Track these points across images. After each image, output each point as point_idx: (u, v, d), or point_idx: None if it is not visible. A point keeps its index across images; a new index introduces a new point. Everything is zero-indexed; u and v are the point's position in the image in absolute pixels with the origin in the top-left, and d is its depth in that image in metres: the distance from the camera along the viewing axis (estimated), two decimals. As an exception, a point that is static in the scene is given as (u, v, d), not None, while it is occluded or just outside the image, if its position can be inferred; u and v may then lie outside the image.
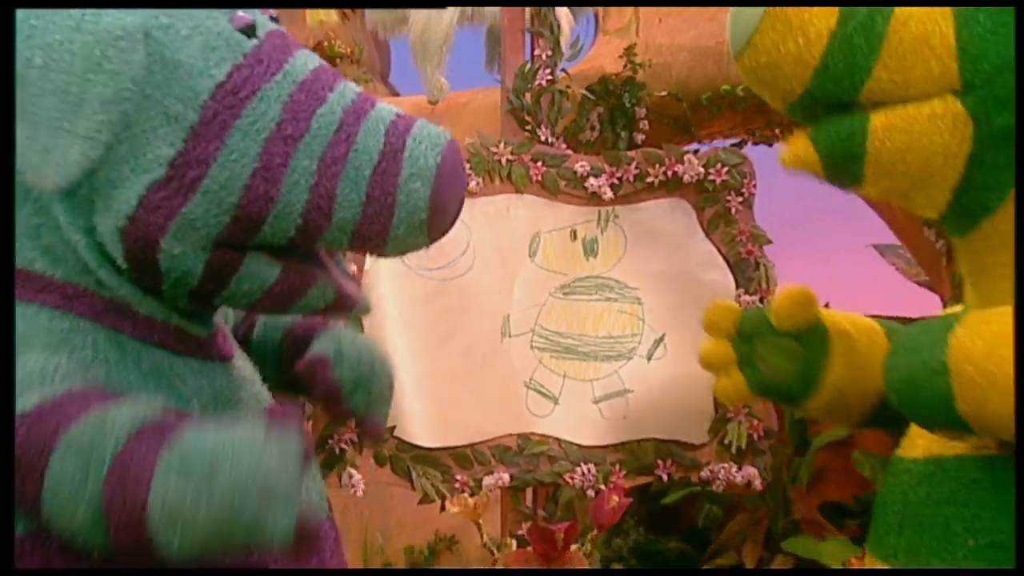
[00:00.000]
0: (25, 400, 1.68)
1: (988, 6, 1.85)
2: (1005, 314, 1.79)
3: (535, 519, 3.81)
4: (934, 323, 1.95)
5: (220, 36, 1.97)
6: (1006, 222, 1.92)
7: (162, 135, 1.91)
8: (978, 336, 1.76)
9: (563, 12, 8.15)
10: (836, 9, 1.89)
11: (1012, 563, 1.82)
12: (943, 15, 1.87)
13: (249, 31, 1.98)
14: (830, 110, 1.96)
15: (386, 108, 2.01)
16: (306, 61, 2.04)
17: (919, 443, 2.05)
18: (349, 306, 2.19)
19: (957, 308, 2.17)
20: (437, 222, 1.99)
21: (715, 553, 7.76)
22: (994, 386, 1.70)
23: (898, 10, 1.88)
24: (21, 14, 1.91)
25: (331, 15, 8.17)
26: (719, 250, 3.94)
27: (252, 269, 1.99)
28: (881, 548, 2.08)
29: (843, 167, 2.00)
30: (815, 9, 1.90)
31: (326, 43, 9.65)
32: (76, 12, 1.90)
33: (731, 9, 1.99)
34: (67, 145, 1.86)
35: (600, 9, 9.27)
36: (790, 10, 1.90)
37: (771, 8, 1.91)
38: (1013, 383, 1.68)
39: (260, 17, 2.05)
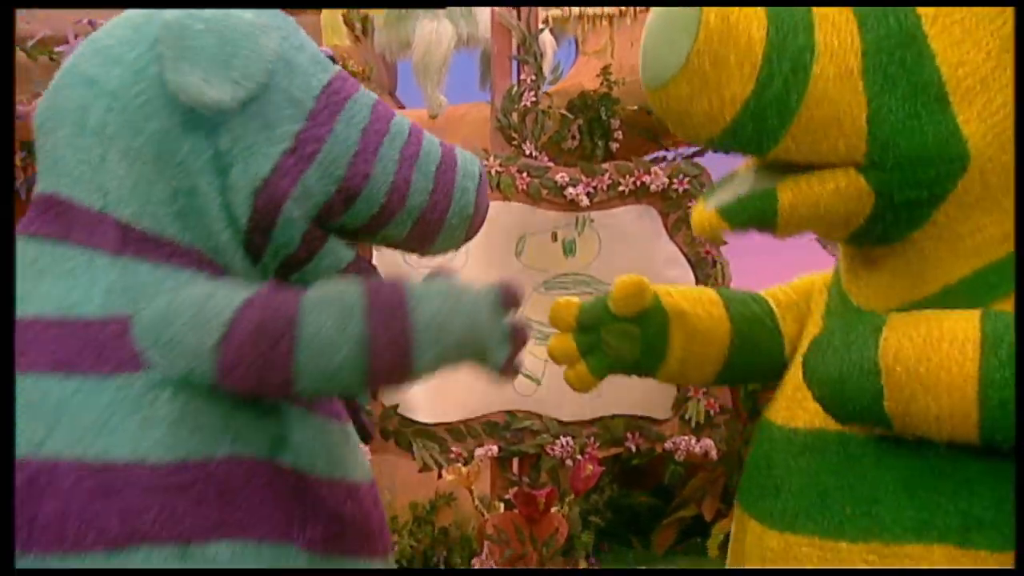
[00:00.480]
0: (234, 297, 1.85)
1: (908, 90, 1.77)
2: (934, 318, 1.77)
3: (520, 485, 3.84)
4: (858, 323, 1.92)
5: (318, 55, 2.23)
6: (907, 250, 1.91)
7: (288, 115, 2.07)
8: (908, 339, 1.72)
9: (547, 37, 8.17)
10: (753, 76, 1.75)
11: (881, 532, 1.80)
12: (857, 100, 1.76)
13: (332, 59, 2.26)
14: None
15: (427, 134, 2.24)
16: (363, 88, 2.26)
17: (800, 415, 2.00)
18: None
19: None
20: (477, 219, 2.20)
21: (679, 506, 7.97)
22: (924, 387, 1.68)
23: (814, 84, 1.75)
24: None
25: (344, 39, 8.16)
26: (681, 250, 4.01)
27: (333, 248, 2.13)
28: (755, 508, 2.05)
29: (755, 229, 1.95)
30: (734, 70, 1.75)
31: (340, 63, 9.56)
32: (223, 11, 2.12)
33: (646, 42, 1.86)
34: (221, 79, 2.00)
35: (580, 33, 9.24)
36: (708, 68, 1.76)
37: (690, 61, 1.76)
38: (940, 386, 1.67)
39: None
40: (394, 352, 1.78)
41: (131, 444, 1.80)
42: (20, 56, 7.84)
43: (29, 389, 1.81)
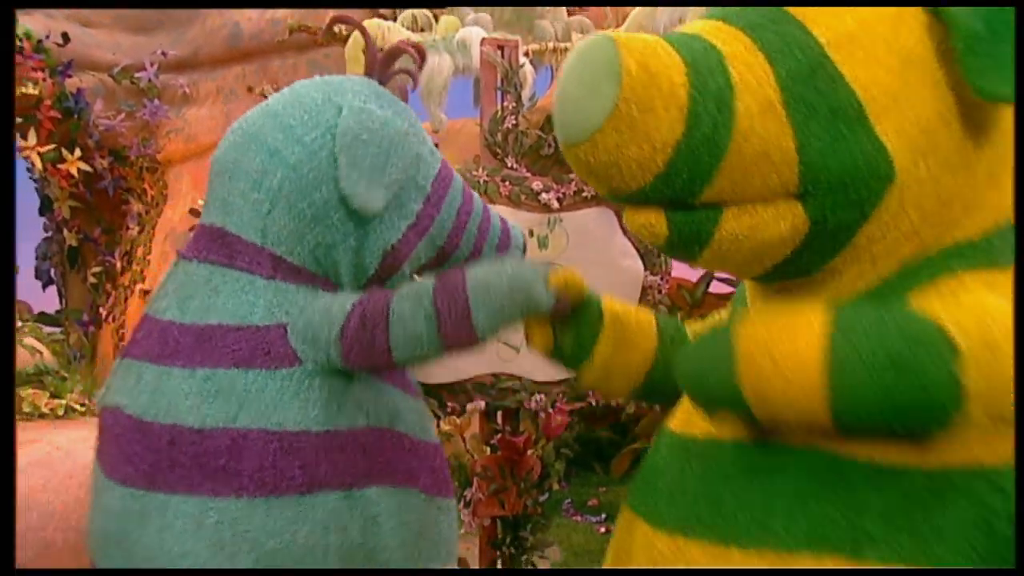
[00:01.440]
0: (347, 300, 2.22)
1: (829, 113, 1.62)
2: (791, 308, 1.64)
3: (503, 433, 3.92)
4: (727, 322, 1.78)
5: (432, 146, 2.52)
6: (838, 268, 1.76)
7: (414, 197, 2.41)
8: (763, 325, 1.58)
9: (528, 68, 8.09)
10: (682, 119, 1.57)
11: (773, 542, 1.64)
12: (783, 130, 1.59)
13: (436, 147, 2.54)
14: (662, 203, 1.69)
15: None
16: (457, 176, 2.60)
17: (697, 423, 1.84)
18: None
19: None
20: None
21: (632, 439, 8.30)
22: (775, 367, 1.51)
23: (739, 120, 1.58)
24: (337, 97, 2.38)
25: (357, 67, 8.09)
26: (632, 244, 4.07)
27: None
28: (646, 510, 1.87)
29: (684, 249, 1.78)
30: (662, 114, 1.57)
31: (357, 81, 9.48)
32: (372, 108, 2.38)
33: (565, 92, 1.66)
34: (377, 186, 2.30)
35: (555, 63, 9.16)
36: (636, 114, 1.57)
37: (617, 108, 1.57)
38: (794, 370, 1.50)
39: None
40: (456, 317, 2.03)
41: (297, 418, 2.13)
42: (108, 80, 7.86)
43: (216, 379, 2.14)
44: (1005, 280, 1.59)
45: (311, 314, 2.19)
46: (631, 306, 2.26)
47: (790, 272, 1.78)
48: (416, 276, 2.48)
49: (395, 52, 2.62)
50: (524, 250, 2.61)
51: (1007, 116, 1.70)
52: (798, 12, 1.67)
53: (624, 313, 2.18)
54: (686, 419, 1.90)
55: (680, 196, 1.64)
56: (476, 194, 2.61)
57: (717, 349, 1.61)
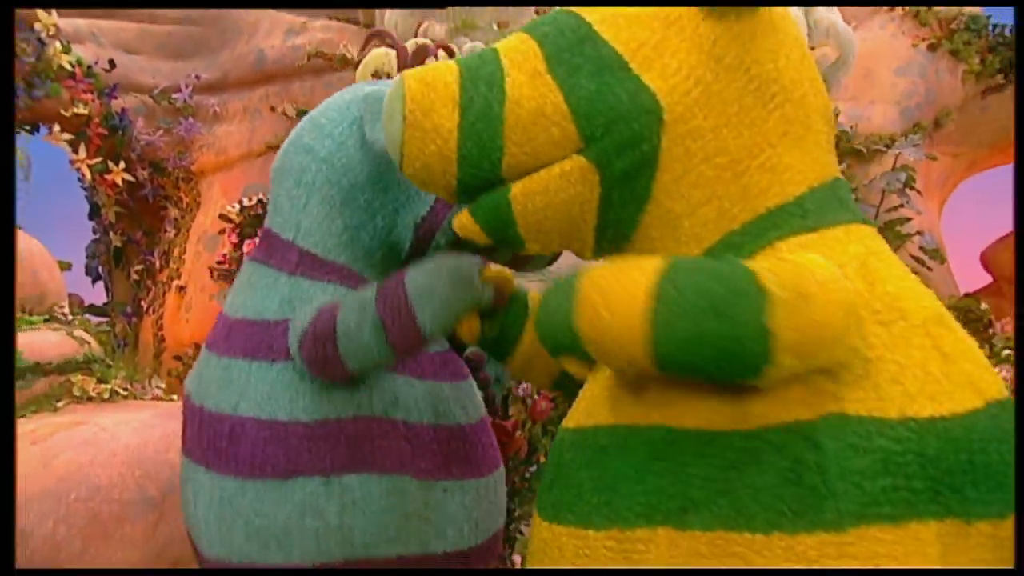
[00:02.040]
0: (310, 313, 2.11)
1: (593, 68, 1.64)
2: (638, 259, 1.55)
3: (495, 418, 3.71)
4: None
5: None
6: (641, 243, 1.70)
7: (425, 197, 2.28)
8: (605, 269, 1.52)
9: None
10: (456, 107, 1.66)
11: (618, 520, 1.59)
12: (549, 87, 1.64)
13: None
14: (488, 190, 1.72)
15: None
16: None
17: (573, 415, 1.81)
18: None
19: None
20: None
21: None
22: (607, 304, 1.46)
23: (510, 91, 1.65)
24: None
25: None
26: None
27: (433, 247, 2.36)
28: (538, 503, 1.82)
29: (501, 233, 1.77)
30: (440, 109, 1.67)
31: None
32: None
33: (383, 125, 1.80)
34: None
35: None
36: (420, 115, 1.68)
37: (407, 120, 1.68)
38: (624, 303, 1.44)
39: None
40: (401, 322, 1.92)
41: (287, 408, 2.10)
42: (148, 101, 7.90)
43: (231, 368, 2.17)
44: (819, 240, 1.59)
45: (299, 318, 2.15)
46: None
47: (613, 238, 1.73)
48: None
49: (423, 51, 2.57)
50: None
51: (799, 79, 1.70)
52: (577, 8, 1.75)
53: None
54: (571, 414, 1.84)
55: (486, 175, 1.69)
56: None
57: (563, 293, 1.55)
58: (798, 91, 1.68)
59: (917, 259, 7.76)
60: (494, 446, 2.51)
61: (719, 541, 1.49)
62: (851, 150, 8.05)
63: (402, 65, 2.48)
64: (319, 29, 9.81)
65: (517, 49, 1.71)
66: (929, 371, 1.49)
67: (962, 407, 1.48)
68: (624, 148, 1.61)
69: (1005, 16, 9.13)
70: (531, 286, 2.24)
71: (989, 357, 6.23)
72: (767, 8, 1.67)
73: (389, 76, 8.54)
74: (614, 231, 1.72)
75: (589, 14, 1.72)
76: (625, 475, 1.59)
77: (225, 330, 2.28)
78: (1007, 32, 8.63)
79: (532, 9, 9.26)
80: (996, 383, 1.56)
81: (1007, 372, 6.17)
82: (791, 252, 1.55)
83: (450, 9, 8.94)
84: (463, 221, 1.80)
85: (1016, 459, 1.48)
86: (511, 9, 9.01)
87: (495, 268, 2.08)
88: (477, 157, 1.66)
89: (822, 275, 1.44)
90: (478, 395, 2.49)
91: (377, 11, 9.36)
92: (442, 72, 1.73)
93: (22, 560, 3.03)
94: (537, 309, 1.66)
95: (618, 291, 1.46)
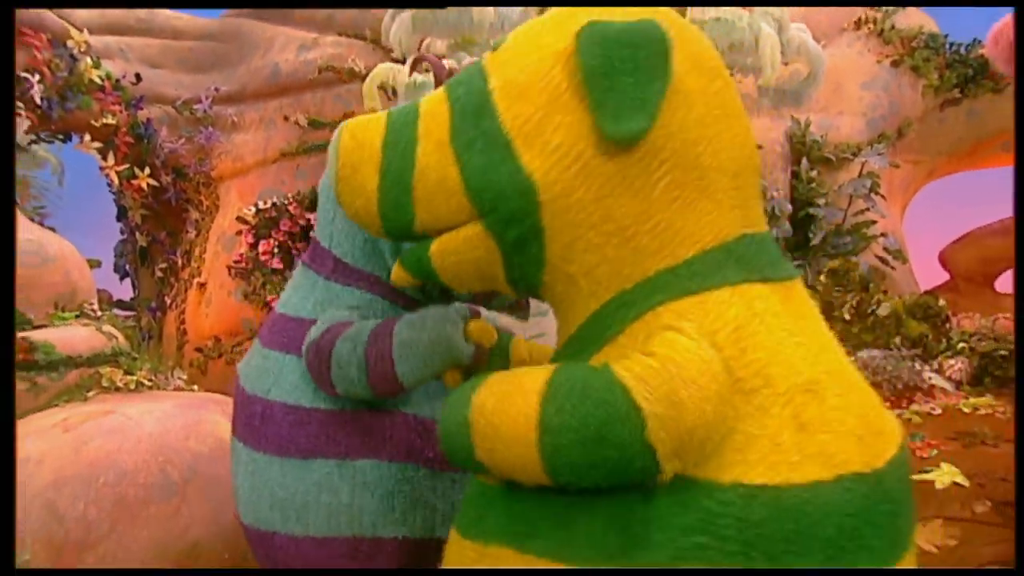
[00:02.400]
0: (319, 329, 2.11)
1: (483, 145, 1.58)
2: (516, 373, 1.54)
3: None
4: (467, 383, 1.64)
5: None
6: (550, 295, 1.67)
7: None
8: (491, 394, 1.49)
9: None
10: (377, 172, 1.66)
11: (483, 534, 1.57)
12: (449, 160, 1.60)
13: None
14: (415, 239, 1.73)
15: None
16: None
17: None
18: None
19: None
20: None
21: None
22: (499, 437, 1.45)
23: (419, 160, 1.63)
24: None
25: (378, 102, 8.07)
26: None
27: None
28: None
29: (427, 280, 1.80)
30: (364, 170, 1.68)
31: (371, 111, 9.53)
32: None
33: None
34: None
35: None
36: (349, 172, 1.70)
37: (339, 174, 1.71)
38: (514, 435, 1.43)
39: None
40: (381, 368, 1.92)
41: (311, 397, 2.14)
42: (171, 111, 7.95)
43: (268, 357, 2.25)
44: (699, 304, 1.49)
45: (318, 324, 2.16)
46: (538, 346, 2.14)
47: (526, 288, 1.72)
48: None
49: (454, 70, 2.50)
50: None
51: (694, 140, 1.54)
52: (491, 63, 1.67)
53: (529, 355, 2.08)
54: None
55: (405, 231, 1.71)
56: None
57: (457, 416, 1.53)
58: (691, 154, 1.54)
59: (881, 259, 7.82)
60: None
61: (546, 569, 1.47)
62: (821, 158, 8.08)
63: (437, 82, 2.41)
64: (330, 44, 9.83)
65: (432, 114, 1.68)
66: (778, 441, 1.40)
67: (803, 478, 1.38)
68: (510, 222, 1.57)
69: (977, 25, 9.24)
70: (515, 330, 2.21)
71: (946, 350, 6.23)
72: (675, 82, 1.52)
73: (394, 90, 8.61)
74: (524, 284, 1.69)
75: (495, 75, 1.63)
76: (500, 496, 1.57)
77: (271, 323, 2.35)
78: (962, 51, 8.70)
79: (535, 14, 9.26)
80: (861, 455, 1.44)
81: (962, 364, 6.23)
82: (669, 318, 1.48)
83: (450, 27, 8.95)
84: (396, 270, 1.81)
85: (1016, 459, 1.38)
86: (507, 23, 9.02)
87: (479, 323, 2.00)
88: (393, 217, 1.68)
89: (690, 372, 1.38)
90: None
91: (382, 27, 9.37)
92: (371, 133, 1.71)
93: (58, 538, 3.06)
94: (440, 435, 1.62)
95: (506, 423, 1.44)
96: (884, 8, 9.21)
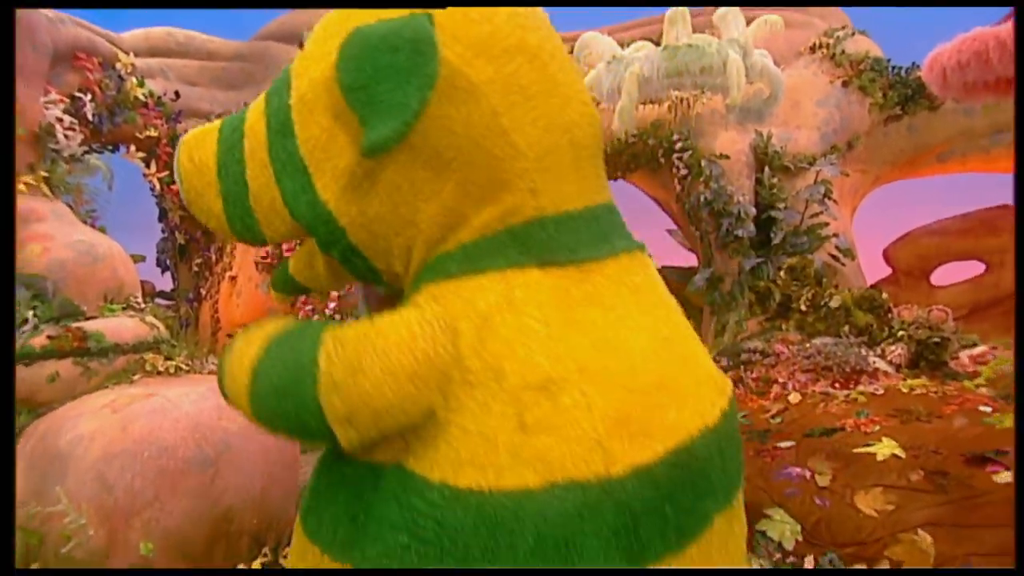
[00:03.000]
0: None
1: (290, 169, 1.43)
2: (268, 322, 1.44)
3: None
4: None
5: None
6: (397, 282, 1.52)
7: None
8: (240, 337, 1.42)
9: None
10: (216, 193, 1.50)
11: (309, 537, 1.42)
12: (271, 182, 1.45)
13: None
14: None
15: None
16: None
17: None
18: None
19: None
20: None
21: None
22: (231, 376, 1.40)
23: (250, 183, 1.47)
24: None
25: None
26: None
27: None
28: None
29: (304, 293, 1.72)
30: (207, 194, 1.52)
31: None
32: None
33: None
34: None
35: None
36: (195, 196, 1.54)
37: (187, 198, 1.55)
38: (238, 376, 1.36)
39: None
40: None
41: None
42: (206, 124, 7.92)
43: None
44: (454, 288, 1.33)
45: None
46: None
47: (378, 282, 1.58)
48: None
49: None
50: None
51: (483, 137, 1.33)
52: (295, 70, 1.49)
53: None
54: None
55: (263, 243, 1.57)
56: None
57: (223, 354, 1.47)
58: (482, 148, 1.33)
59: (833, 256, 7.82)
60: None
61: (310, 555, 1.38)
62: (781, 167, 8.08)
63: None
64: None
65: (254, 131, 1.49)
66: (494, 442, 1.21)
67: (511, 484, 1.18)
68: (327, 245, 1.49)
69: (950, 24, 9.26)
70: None
71: (888, 338, 6.25)
72: (453, 77, 1.32)
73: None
74: (374, 279, 1.56)
75: (295, 85, 1.46)
76: (319, 499, 1.44)
77: None
78: (903, 73, 8.73)
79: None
80: (592, 460, 1.20)
81: (901, 349, 6.27)
82: (422, 298, 1.35)
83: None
84: (272, 295, 1.74)
85: (1016, 459, 1.30)
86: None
87: None
88: (248, 235, 1.54)
89: (383, 344, 1.24)
90: None
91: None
92: (205, 152, 1.54)
93: (108, 505, 3.09)
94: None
95: (236, 363, 1.38)
96: (835, 35, 9.24)
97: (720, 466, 1.34)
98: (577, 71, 1.47)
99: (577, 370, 1.25)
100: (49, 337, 3.97)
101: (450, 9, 1.35)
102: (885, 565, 3.18)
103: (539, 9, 1.48)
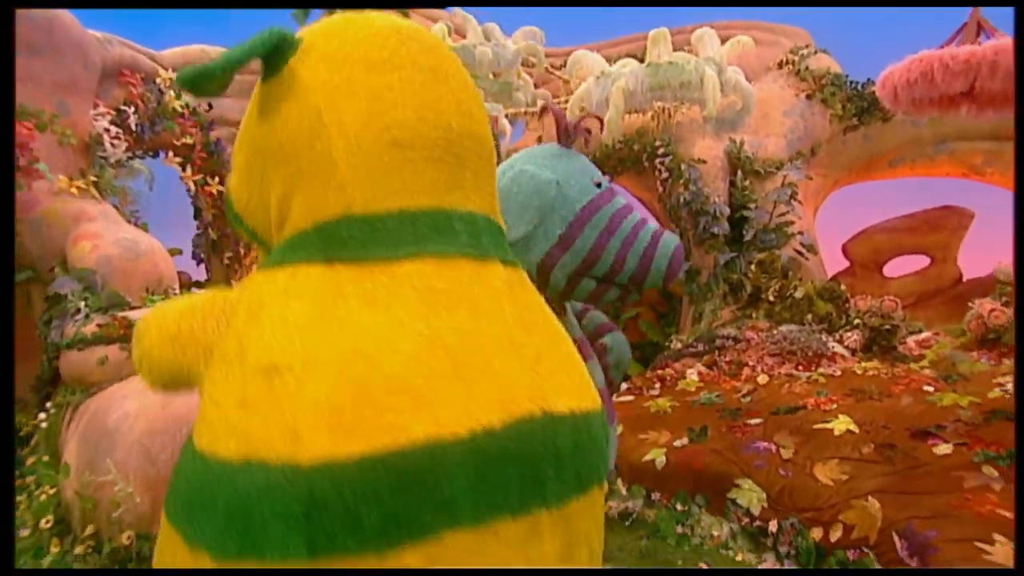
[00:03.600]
0: None
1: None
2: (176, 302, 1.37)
3: (612, 391, 3.56)
4: None
5: (587, 187, 2.18)
6: None
7: (557, 224, 2.14)
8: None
9: (506, 123, 8.06)
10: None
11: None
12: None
13: (599, 184, 2.19)
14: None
15: (652, 225, 2.17)
16: (619, 200, 2.20)
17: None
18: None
19: None
20: (669, 276, 2.12)
21: None
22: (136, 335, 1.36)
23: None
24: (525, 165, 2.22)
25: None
26: None
27: (583, 286, 2.18)
28: None
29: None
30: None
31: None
32: (530, 168, 2.24)
33: None
34: (519, 223, 2.13)
35: (527, 121, 9.10)
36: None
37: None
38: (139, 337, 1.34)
39: (604, 180, 2.24)
40: None
41: None
42: (236, 131, 7.88)
43: None
44: (255, 277, 1.29)
45: None
46: None
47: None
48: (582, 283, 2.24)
49: (578, 123, 2.40)
50: (671, 256, 2.17)
51: (302, 134, 1.28)
52: None
53: None
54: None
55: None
56: (634, 217, 2.19)
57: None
58: (303, 147, 1.27)
59: (798, 251, 7.84)
60: (610, 409, 2.43)
61: (168, 535, 1.25)
62: (753, 171, 8.09)
63: (560, 130, 2.35)
64: (363, 78, 9.81)
65: None
66: (222, 413, 1.15)
67: (221, 453, 1.12)
68: (237, 227, 1.47)
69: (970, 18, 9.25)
70: None
71: (845, 325, 6.27)
72: (292, 78, 1.31)
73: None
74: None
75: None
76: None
77: None
78: (859, 87, 8.72)
79: (519, 64, 9.26)
80: (287, 446, 1.10)
81: (857, 335, 6.32)
82: (242, 283, 1.31)
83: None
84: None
85: (1017, 458, 1.25)
86: (503, 60, 9.03)
87: None
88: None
89: (170, 310, 1.28)
90: (599, 371, 2.40)
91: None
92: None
93: (151, 476, 3.13)
94: None
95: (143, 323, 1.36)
96: (800, 53, 9.24)
97: (500, 474, 1.18)
98: (454, 87, 1.37)
99: (303, 360, 1.16)
100: (99, 325, 4.00)
101: (321, 25, 1.37)
102: (839, 529, 3.19)
103: (422, 28, 1.42)
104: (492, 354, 1.25)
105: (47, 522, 3.16)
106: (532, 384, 1.25)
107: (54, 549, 3.05)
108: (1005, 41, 3.37)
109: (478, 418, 1.18)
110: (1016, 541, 1.32)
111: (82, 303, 4.12)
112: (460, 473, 1.15)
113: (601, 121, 2.30)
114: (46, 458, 3.47)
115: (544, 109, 4.33)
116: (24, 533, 3.35)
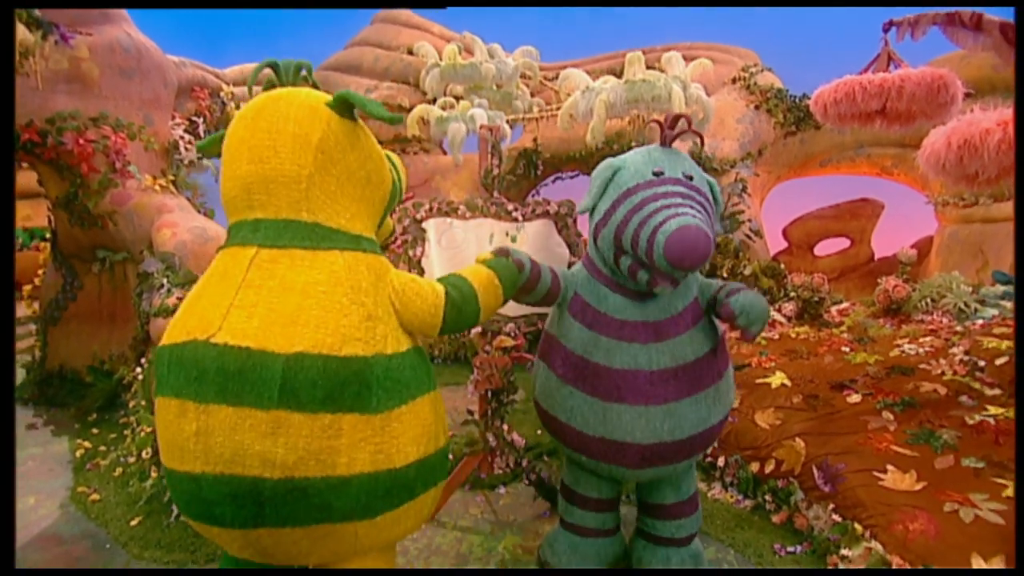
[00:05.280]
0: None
1: None
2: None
3: (490, 344, 3.48)
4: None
5: (634, 175, 2.13)
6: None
7: (606, 201, 2.16)
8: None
9: (506, 128, 8.06)
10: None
11: None
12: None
13: (658, 173, 2.11)
14: None
15: (680, 213, 1.97)
16: (660, 189, 2.06)
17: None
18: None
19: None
20: (670, 255, 1.92)
21: None
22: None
23: None
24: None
25: (417, 128, 8.06)
26: (564, 239, 3.64)
27: (623, 262, 2.12)
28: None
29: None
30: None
31: (412, 136, 9.34)
32: (616, 162, 2.21)
33: None
34: (586, 199, 2.22)
35: (524, 123, 9.06)
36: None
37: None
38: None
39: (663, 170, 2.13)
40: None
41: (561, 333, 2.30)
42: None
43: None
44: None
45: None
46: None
47: None
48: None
49: (676, 120, 2.29)
50: (668, 236, 1.93)
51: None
52: None
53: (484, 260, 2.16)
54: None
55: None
56: (665, 202, 2.02)
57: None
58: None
59: (747, 236, 7.87)
60: (722, 367, 2.29)
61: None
62: (711, 168, 8.11)
63: (662, 134, 2.26)
64: (385, 88, 9.77)
65: None
66: (185, 315, 1.61)
67: (177, 339, 1.57)
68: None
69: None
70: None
71: (783, 297, 6.31)
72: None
73: (426, 120, 8.51)
74: None
75: None
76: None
77: None
78: (797, 100, 8.76)
79: (519, 71, 9.23)
80: (188, 333, 1.55)
81: (792, 306, 6.42)
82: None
83: (465, 77, 8.88)
84: None
85: (1017, 457, 1.20)
86: (504, 74, 9.02)
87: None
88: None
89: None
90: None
91: (421, 77, 9.29)
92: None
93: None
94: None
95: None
96: (749, 71, 9.23)
97: (186, 367, 1.57)
98: (280, 141, 1.68)
99: (195, 297, 1.62)
100: (178, 298, 4.07)
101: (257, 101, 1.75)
102: (772, 463, 3.25)
103: (286, 105, 1.75)
104: (208, 300, 1.57)
105: (147, 453, 3.27)
106: (210, 321, 1.52)
107: (153, 474, 3.17)
108: (909, 71, 3.48)
109: (189, 332, 1.54)
110: (1016, 541, 1.27)
111: (165, 280, 4.20)
112: (168, 356, 1.57)
113: (690, 122, 2.25)
114: (143, 403, 3.57)
115: (483, 128, 3.98)
116: (131, 460, 3.48)
